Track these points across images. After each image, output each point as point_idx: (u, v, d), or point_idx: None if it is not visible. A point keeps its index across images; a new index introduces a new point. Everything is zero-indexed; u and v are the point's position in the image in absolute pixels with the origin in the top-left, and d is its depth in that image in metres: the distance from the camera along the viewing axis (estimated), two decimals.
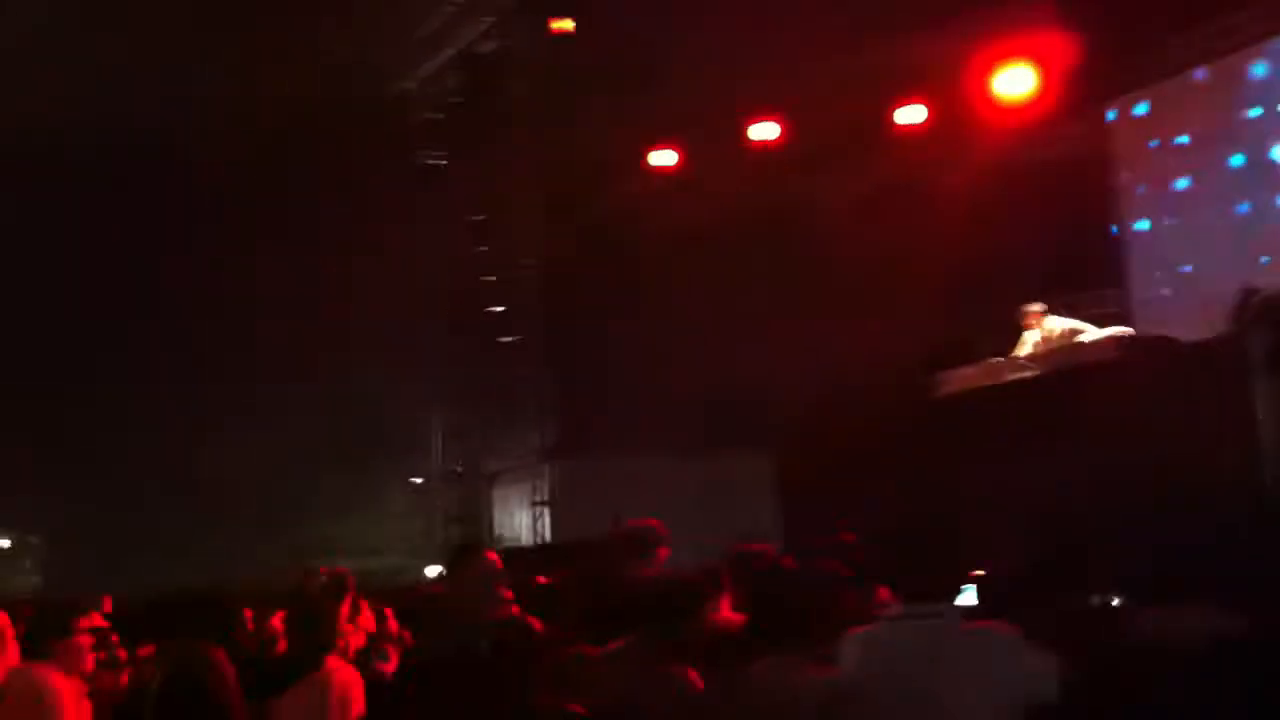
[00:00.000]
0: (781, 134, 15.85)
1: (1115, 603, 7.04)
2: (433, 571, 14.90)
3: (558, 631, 4.76)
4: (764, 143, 16.21)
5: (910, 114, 15.71)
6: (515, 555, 11.23)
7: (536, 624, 4.33)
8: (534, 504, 14.58)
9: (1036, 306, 10.67)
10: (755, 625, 4.56)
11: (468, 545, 6.34)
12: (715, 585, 5.15)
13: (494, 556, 4.85)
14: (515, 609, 4.68)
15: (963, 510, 9.05)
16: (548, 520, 14.43)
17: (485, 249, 16.57)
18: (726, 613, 5.03)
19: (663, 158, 16.59)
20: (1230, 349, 8.19)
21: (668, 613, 4.46)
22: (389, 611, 8.17)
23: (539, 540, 14.20)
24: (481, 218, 16.61)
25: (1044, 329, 10.45)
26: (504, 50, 16.43)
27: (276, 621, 6.66)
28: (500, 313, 16.13)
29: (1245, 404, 7.73)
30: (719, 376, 16.66)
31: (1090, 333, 10.19)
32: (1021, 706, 3.35)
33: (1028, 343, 10.50)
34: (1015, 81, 14.71)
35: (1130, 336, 9.61)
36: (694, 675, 4.32)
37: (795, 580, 4.70)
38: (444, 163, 17.14)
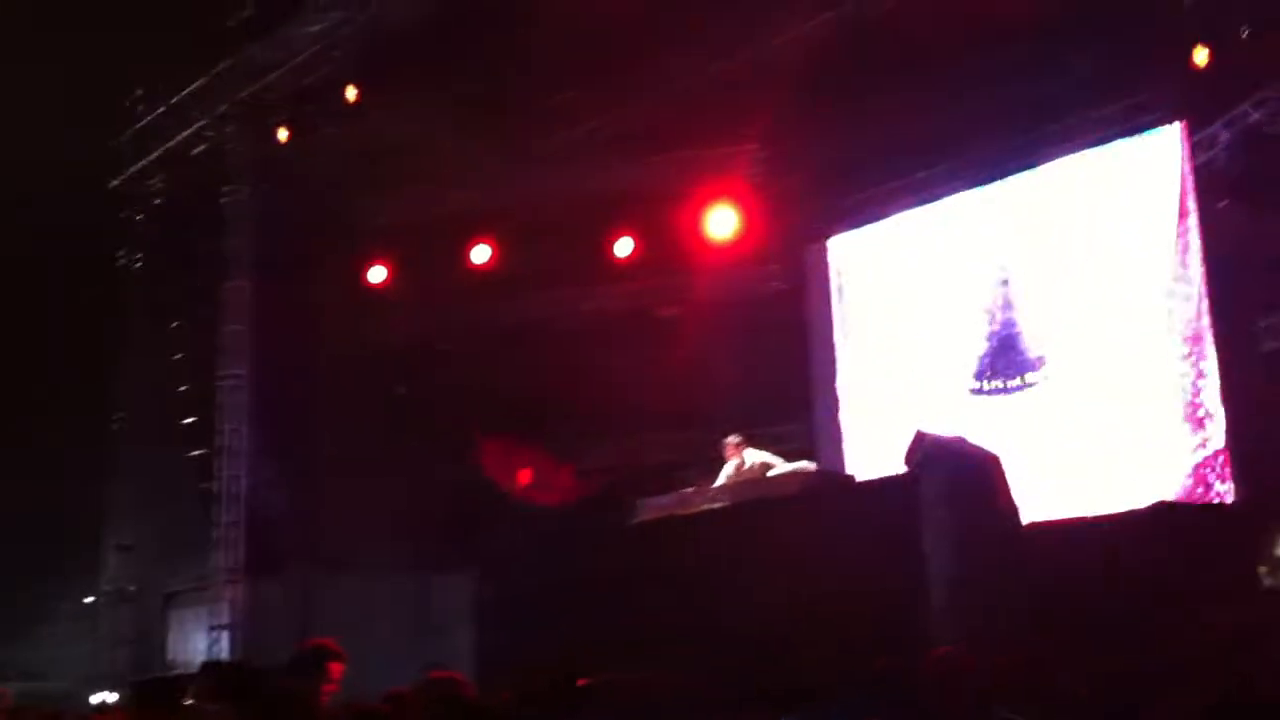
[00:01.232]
0: (495, 257, 16.00)
1: None
2: (98, 697, 13.88)
3: None
4: (479, 265, 16.32)
5: (623, 246, 16.15)
6: (188, 681, 10.58)
7: None
8: (213, 627, 13.83)
9: (734, 438, 10.93)
10: None
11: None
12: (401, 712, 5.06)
13: None
14: None
15: (649, 635, 9.14)
16: (226, 644, 13.71)
17: (181, 356, 15.92)
18: None
19: (377, 273, 16.46)
20: (901, 487, 8.62)
21: None
22: None
23: None
24: (178, 324, 15.97)
25: (741, 460, 10.72)
26: (216, 152, 16.00)
27: None
28: (192, 424, 15.48)
29: (913, 538, 8.12)
30: (426, 499, 16.44)
31: (780, 466, 10.53)
32: None
33: (725, 473, 10.74)
34: (721, 221, 15.37)
35: (813, 471, 9.99)
36: None
37: (476, 708, 4.65)
38: (139, 264, 16.44)
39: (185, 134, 16.25)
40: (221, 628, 13.84)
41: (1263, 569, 8.67)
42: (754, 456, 10.70)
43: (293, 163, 15.32)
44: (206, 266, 15.60)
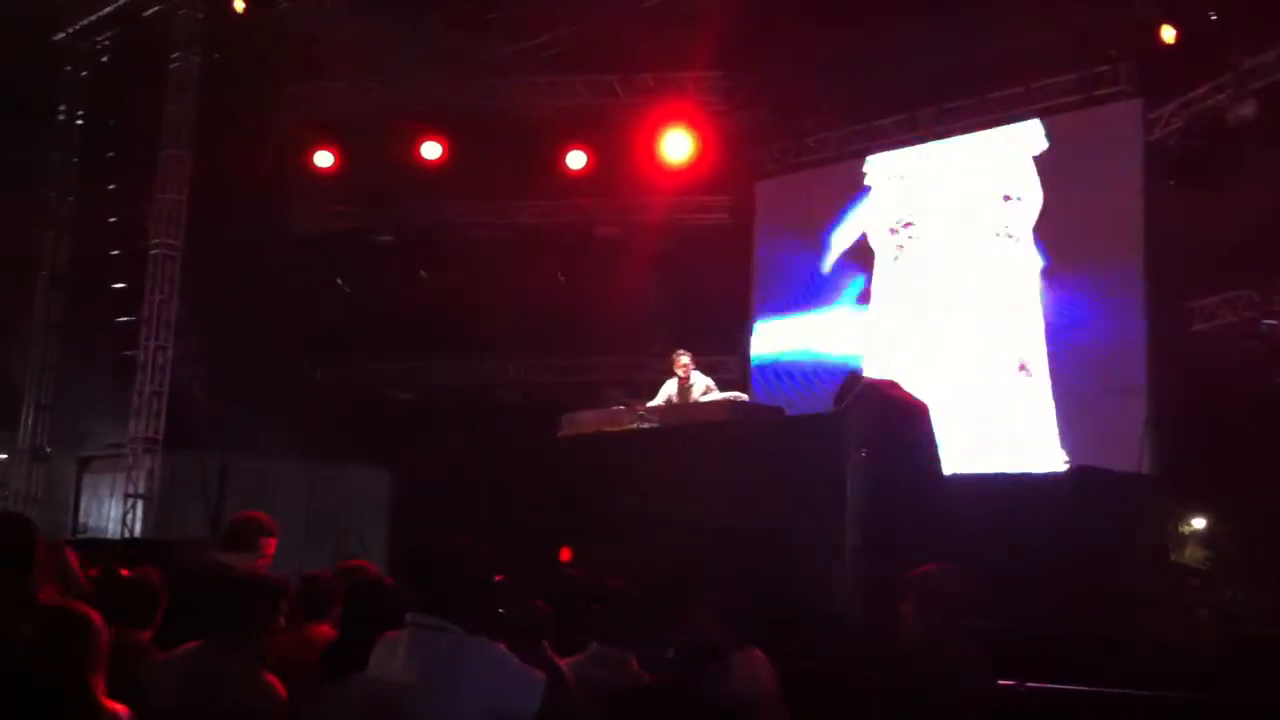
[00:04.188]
0: (445, 155, 15.80)
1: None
2: None
3: (126, 628, 4.54)
4: (428, 161, 16.11)
5: (576, 159, 16.02)
6: (99, 547, 10.49)
7: (95, 615, 4.03)
8: (128, 495, 13.66)
9: (686, 356, 10.79)
10: (343, 640, 4.53)
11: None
12: (317, 593, 5.07)
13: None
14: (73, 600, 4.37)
15: (563, 544, 9.21)
16: (140, 514, 13.58)
17: (116, 220, 15.57)
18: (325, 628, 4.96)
19: (324, 158, 16.21)
20: (828, 425, 8.72)
21: (235, 615, 4.23)
22: None
23: (128, 534, 13.34)
24: (113, 187, 15.60)
25: (689, 379, 10.63)
26: (168, 15, 15.57)
27: None
28: (122, 289, 15.19)
29: (836, 476, 8.22)
30: (348, 387, 16.35)
31: (714, 393, 10.55)
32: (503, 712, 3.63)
33: (667, 390, 10.65)
34: (676, 145, 15.31)
35: (743, 401, 10.06)
36: (276, 683, 4.14)
37: (389, 597, 4.65)
38: (80, 121, 16.01)
39: None
40: (136, 497, 13.68)
41: (1171, 543, 8.93)
42: (701, 379, 10.64)
43: (247, 35, 14.94)
44: (148, 131, 15.22)
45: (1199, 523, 9.95)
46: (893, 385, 9.17)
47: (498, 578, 4.20)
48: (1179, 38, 12.22)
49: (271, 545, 5.40)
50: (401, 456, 15.46)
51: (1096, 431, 12.12)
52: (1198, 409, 10.86)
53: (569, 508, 9.54)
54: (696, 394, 10.37)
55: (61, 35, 16.42)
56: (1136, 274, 12.40)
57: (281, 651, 4.42)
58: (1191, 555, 9.38)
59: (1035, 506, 7.66)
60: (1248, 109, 11.88)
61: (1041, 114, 13.67)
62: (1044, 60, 13.46)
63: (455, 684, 3.64)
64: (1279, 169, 11.03)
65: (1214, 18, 12.21)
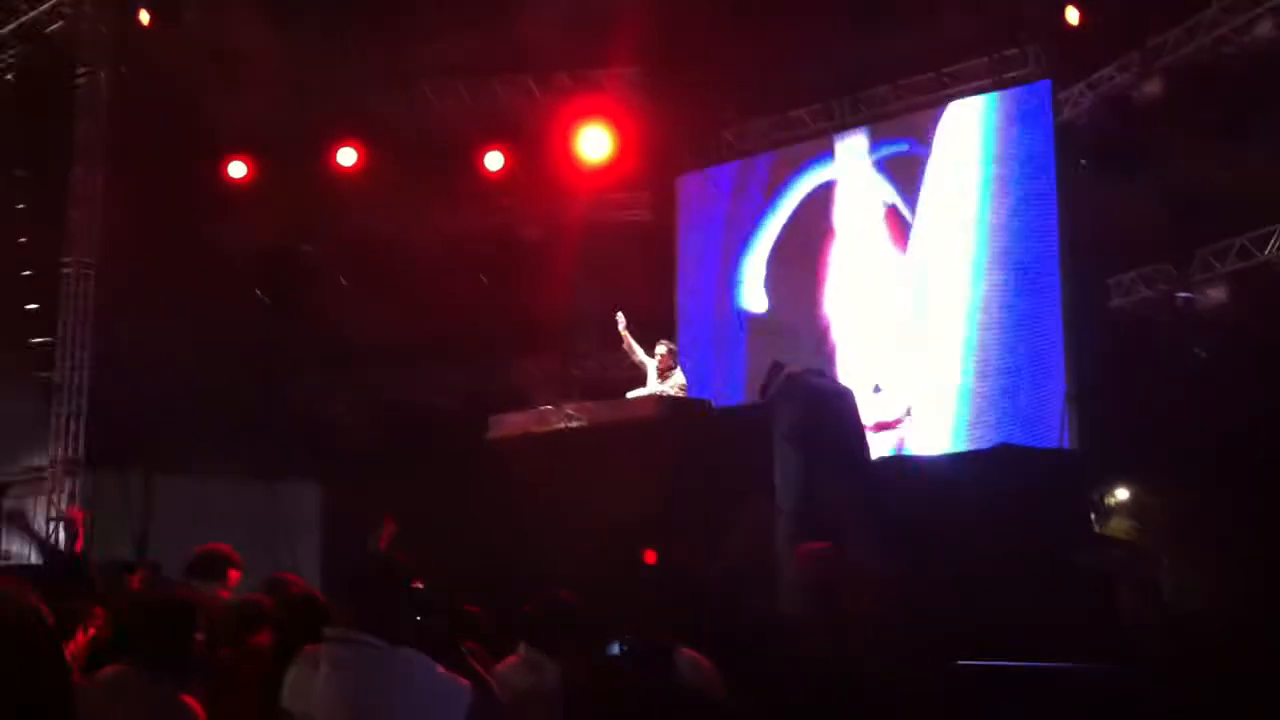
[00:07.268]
0: (361, 162, 15.63)
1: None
2: None
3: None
4: (345, 168, 15.92)
5: (494, 161, 15.89)
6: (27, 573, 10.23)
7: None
8: (49, 519, 13.41)
9: (664, 347, 10.53)
10: (278, 649, 4.47)
11: None
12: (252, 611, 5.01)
13: None
14: None
15: (497, 547, 9.18)
16: (63, 537, 13.32)
17: (25, 240, 15.28)
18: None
19: (237, 169, 15.97)
20: (755, 417, 8.76)
21: (157, 635, 4.14)
22: None
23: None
24: (23, 206, 15.30)
25: (673, 372, 10.45)
26: (73, 30, 15.29)
27: None
28: (34, 311, 14.90)
29: (763, 466, 8.26)
30: (273, 402, 16.13)
31: (640, 390, 10.49)
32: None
33: (651, 375, 10.50)
34: (594, 143, 15.26)
35: (670, 396, 10.02)
36: (193, 704, 4.05)
37: (317, 611, 4.59)
38: None
39: (41, 9, 15.49)
40: (59, 520, 13.44)
41: (1094, 515, 9.05)
42: (678, 377, 10.48)
43: (155, 49, 14.70)
44: (57, 150, 14.94)
45: (1123, 494, 10.09)
46: (816, 373, 9.23)
47: (416, 584, 4.15)
48: (1084, 18, 12.35)
49: (235, 578, 5.38)
50: (331, 470, 15.35)
51: (1017, 409, 12.28)
52: (1117, 384, 11.02)
53: (499, 511, 9.52)
54: (670, 386, 10.27)
55: None
56: (1052, 252, 12.56)
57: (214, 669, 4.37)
58: (1117, 527, 9.51)
59: (959, 486, 7.73)
60: (1154, 86, 12.05)
61: (953, 98, 13.82)
62: (954, 45, 13.59)
63: (378, 699, 3.60)
64: (1188, 144, 11.21)
65: None
